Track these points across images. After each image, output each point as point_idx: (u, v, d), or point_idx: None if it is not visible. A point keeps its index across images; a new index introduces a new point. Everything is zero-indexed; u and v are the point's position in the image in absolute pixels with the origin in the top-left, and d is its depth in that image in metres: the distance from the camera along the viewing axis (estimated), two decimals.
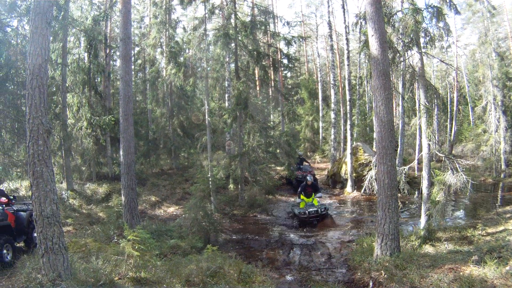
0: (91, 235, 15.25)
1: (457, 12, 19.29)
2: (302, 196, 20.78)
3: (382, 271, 10.94)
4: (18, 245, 11.96)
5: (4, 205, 11.57)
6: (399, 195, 14.50)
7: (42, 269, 8.16)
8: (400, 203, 15.35)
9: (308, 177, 21.30)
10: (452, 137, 45.10)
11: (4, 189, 13.98)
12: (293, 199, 26.76)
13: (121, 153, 16.96)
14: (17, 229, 11.78)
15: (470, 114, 46.38)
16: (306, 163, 30.83)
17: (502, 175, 30.73)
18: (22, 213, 12.20)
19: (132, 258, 9.49)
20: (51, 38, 19.55)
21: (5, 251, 10.42)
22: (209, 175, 19.80)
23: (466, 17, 44.65)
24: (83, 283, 8.10)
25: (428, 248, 13.56)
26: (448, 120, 46.88)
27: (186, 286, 9.30)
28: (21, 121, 17.68)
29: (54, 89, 23.92)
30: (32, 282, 7.86)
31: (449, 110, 46.48)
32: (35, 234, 8.99)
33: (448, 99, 47.43)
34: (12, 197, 12.27)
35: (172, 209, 22.85)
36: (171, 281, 9.35)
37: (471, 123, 45.92)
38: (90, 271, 8.76)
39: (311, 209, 19.67)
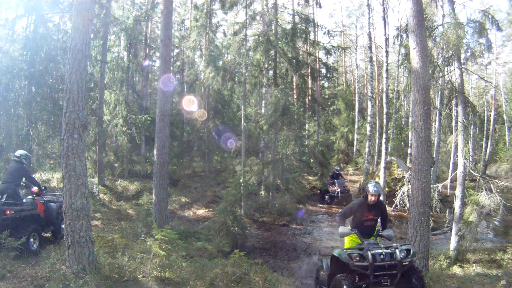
0: (118, 231, 15.27)
1: (498, 28, 19.12)
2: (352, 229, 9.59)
3: None
4: (45, 235, 12.05)
5: (35, 195, 11.67)
6: (430, 213, 14.29)
7: (66, 261, 8.18)
8: (431, 221, 15.11)
9: (371, 187, 9.25)
10: (487, 157, 44.64)
11: (36, 179, 14.06)
12: (324, 210, 26.52)
13: (155, 152, 16.99)
14: (46, 219, 11.86)
15: (506, 134, 45.94)
16: (342, 179, 29.51)
17: None
18: (52, 204, 12.26)
19: (158, 257, 9.48)
20: (92, 35, 19.64)
21: (32, 239, 10.50)
22: (241, 180, 19.71)
23: (507, 34, 44.19)
24: (106, 278, 8.08)
25: (456, 269, 13.41)
26: (484, 138, 46.37)
27: None
28: (58, 114, 17.76)
29: (92, 85, 24.10)
30: (56, 272, 7.87)
31: (485, 128, 45.97)
32: (63, 226, 9.02)
33: (485, 117, 46.91)
34: (43, 188, 12.35)
35: (201, 211, 22.81)
36: (195, 283, 9.31)
37: (507, 143, 45.39)
38: (114, 267, 8.76)
39: (377, 251, 8.62)
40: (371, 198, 9.11)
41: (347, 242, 9.65)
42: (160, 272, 9.15)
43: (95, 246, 9.22)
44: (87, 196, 8.45)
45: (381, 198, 10.22)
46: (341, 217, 9.61)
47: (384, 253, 8.35)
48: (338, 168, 30.93)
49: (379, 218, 9.64)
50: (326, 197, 27.89)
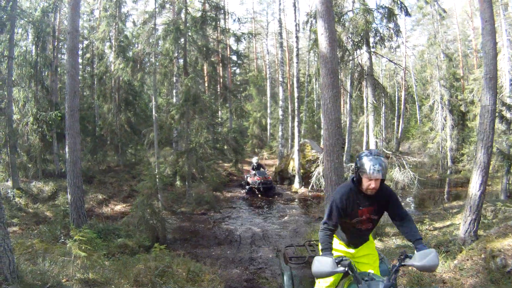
0: (37, 235, 14.92)
1: (407, 13, 19.81)
2: (340, 243, 5.76)
3: None
4: None
5: None
6: None
7: None
8: None
9: (369, 163, 4.77)
10: (399, 135, 46.20)
11: None
12: (241, 194, 26.73)
13: (66, 150, 16.66)
14: None
15: (417, 113, 47.66)
16: (263, 169, 28.92)
17: (448, 171, 31.76)
18: None
19: (79, 258, 9.42)
20: None
21: None
22: (156, 172, 19.64)
23: (416, 19, 45.91)
24: (30, 286, 7.96)
25: (376, 243, 13.86)
26: (396, 118, 48.00)
27: (135, 286, 9.24)
28: None
29: (0, 83, 23.42)
30: None
31: (396, 108, 47.49)
32: None
33: (396, 97, 48.49)
34: None
35: (119, 207, 22.65)
36: (120, 282, 9.27)
37: (418, 121, 47.11)
38: (37, 274, 8.61)
39: None
40: (368, 185, 4.92)
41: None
42: (83, 274, 9.08)
43: (15, 253, 9.08)
44: (1, 202, 8.21)
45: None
46: (326, 233, 5.08)
47: None
48: (256, 160, 30.03)
49: (389, 210, 5.35)
50: (247, 188, 27.55)
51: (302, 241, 15.06)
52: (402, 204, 5.34)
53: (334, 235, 5.36)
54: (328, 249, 4.91)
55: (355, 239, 5.57)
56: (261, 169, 28.25)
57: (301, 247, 7.86)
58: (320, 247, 5.03)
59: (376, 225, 5.55)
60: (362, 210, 5.15)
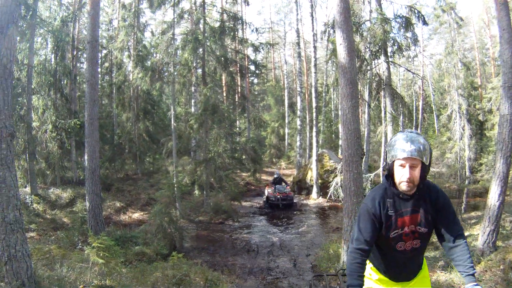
0: (55, 241, 14.94)
1: (424, 22, 19.70)
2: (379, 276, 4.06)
3: None
4: None
5: None
6: None
7: (5, 277, 7.93)
8: None
9: (403, 141, 3.57)
10: None
11: None
12: (259, 204, 26.49)
13: (85, 157, 16.69)
14: None
15: (435, 122, 47.10)
16: (284, 184, 27.26)
17: (466, 182, 31.29)
18: None
19: (97, 265, 9.37)
20: (18, 38, 19.13)
21: None
22: (174, 181, 19.59)
23: (433, 28, 45.45)
24: None
25: None
26: (414, 127, 47.49)
27: None
28: None
29: (20, 91, 23.47)
30: None
31: (414, 118, 47.12)
32: None
33: (414, 107, 48.08)
34: None
35: (137, 215, 22.57)
36: None
37: (436, 131, 46.65)
38: (54, 279, 8.59)
39: None
40: (402, 175, 3.54)
41: None
42: (101, 281, 9.05)
43: (33, 259, 9.05)
44: (20, 208, 8.17)
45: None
46: (356, 258, 3.62)
47: None
48: (277, 173, 28.54)
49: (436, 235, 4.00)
50: (267, 203, 26.16)
51: (320, 252, 14.96)
52: None
53: (369, 261, 4.06)
54: (357, 286, 3.51)
55: (399, 269, 3.94)
56: (282, 183, 26.96)
57: (334, 277, 6.64)
58: (347, 279, 3.58)
59: (425, 247, 3.94)
60: (403, 218, 3.65)
